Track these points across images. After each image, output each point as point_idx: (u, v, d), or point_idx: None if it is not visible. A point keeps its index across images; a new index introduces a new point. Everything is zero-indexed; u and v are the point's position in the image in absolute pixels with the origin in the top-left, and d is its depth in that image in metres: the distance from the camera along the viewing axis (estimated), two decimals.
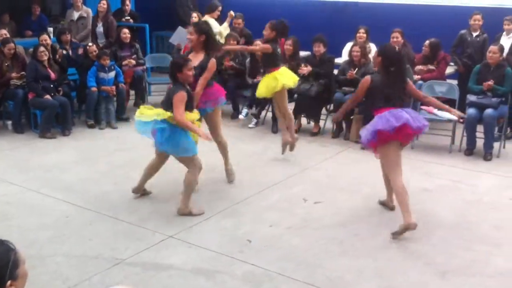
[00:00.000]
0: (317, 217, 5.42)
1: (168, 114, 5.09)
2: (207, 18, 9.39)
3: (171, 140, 5.17)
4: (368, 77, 5.23)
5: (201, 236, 4.98)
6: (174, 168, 6.38)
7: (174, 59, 5.53)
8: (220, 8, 9.54)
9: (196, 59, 5.69)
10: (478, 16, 8.30)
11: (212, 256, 4.64)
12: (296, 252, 4.73)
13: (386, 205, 5.58)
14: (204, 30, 5.82)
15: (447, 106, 5.68)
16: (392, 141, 5.02)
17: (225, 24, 9.29)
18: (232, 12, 9.38)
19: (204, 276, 4.35)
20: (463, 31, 8.46)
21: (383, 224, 5.25)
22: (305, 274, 4.36)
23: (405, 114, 4.97)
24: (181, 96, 5.04)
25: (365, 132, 5.13)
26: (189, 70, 5.17)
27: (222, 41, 8.66)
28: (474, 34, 8.35)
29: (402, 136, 5.04)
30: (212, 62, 5.74)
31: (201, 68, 5.66)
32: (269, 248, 4.79)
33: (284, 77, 6.66)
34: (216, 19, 9.38)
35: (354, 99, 5.54)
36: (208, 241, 4.88)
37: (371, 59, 8.26)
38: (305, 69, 7.92)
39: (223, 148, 6.19)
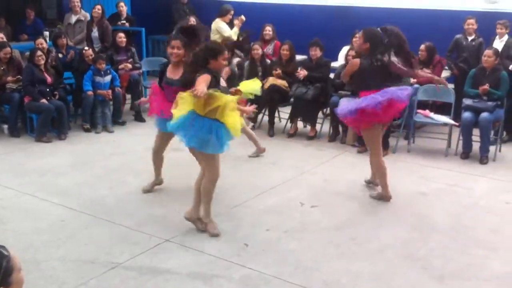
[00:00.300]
0: (314, 221, 5.41)
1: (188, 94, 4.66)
2: (218, 21, 9.39)
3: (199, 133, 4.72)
4: (357, 61, 5.53)
5: (198, 240, 4.97)
6: (171, 172, 6.38)
7: (210, 44, 5.05)
8: (232, 12, 9.52)
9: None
10: (472, 21, 8.34)
11: (209, 260, 4.63)
12: (293, 255, 4.72)
13: (372, 182, 6.13)
14: None
15: (438, 78, 6.20)
16: (376, 124, 5.52)
17: (235, 29, 9.29)
18: (242, 17, 9.36)
19: (201, 280, 4.34)
20: (458, 36, 8.49)
21: (379, 227, 5.25)
22: (302, 278, 4.36)
23: (389, 91, 5.42)
24: (206, 77, 4.60)
25: (345, 106, 5.52)
26: (224, 59, 4.87)
27: None
28: (470, 38, 8.37)
29: (388, 113, 5.47)
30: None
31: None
32: (266, 252, 4.78)
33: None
34: (228, 23, 9.37)
35: (343, 76, 5.89)
36: (205, 245, 4.87)
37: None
38: (301, 73, 7.93)
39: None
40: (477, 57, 8.20)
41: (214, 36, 9.22)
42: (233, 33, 9.28)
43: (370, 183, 6.19)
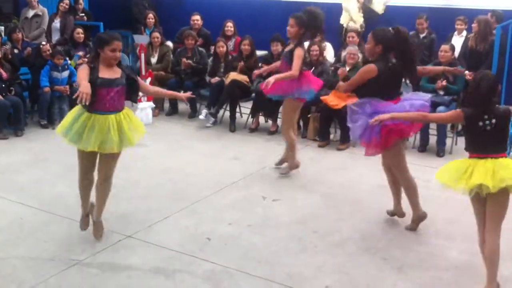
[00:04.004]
0: (276, 215, 5.45)
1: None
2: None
3: None
4: (373, 66, 4.72)
5: (160, 235, 4.94)
6: (132, 167, 6.32)
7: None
8: None
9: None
10: (422, 20, 8.58)
11: (172, 255, 4.60)
12: (255, 249, 4.75)
13: (397, 213, 5.33)
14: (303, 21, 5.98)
15: (449, 68, 5.88)
16: (398, 139, 4.86)
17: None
18: None
19: (164, 276, 4.32)
20: (411, 33, 8.68)
21: (340, 220, 5.32)
22: (265, 271, 4.38)
23: (414, 101, 4.78)
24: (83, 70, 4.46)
25: (361, 128, 4.77)
26: (112, 50, 4.42)
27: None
28: (422, 36, 8.59)
29: (414, 126, 4.90)
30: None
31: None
32: (229, 246, 4.79)
33: None
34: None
35: (350, 86, 5.00)
36: (167, 240, 4.84)
37: (326, 58, 8.38)
38: (263, 69, 7.96)
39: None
40: (430, 53, 8.43)
41: (343, 19, 9.27)
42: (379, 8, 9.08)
43: (393, 215, 5.38)
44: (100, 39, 4.47)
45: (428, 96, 5.05)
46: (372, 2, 9.15)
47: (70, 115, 4.57)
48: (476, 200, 4.06)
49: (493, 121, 3.89)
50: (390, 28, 4.80)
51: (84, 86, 4.18)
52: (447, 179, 4.12)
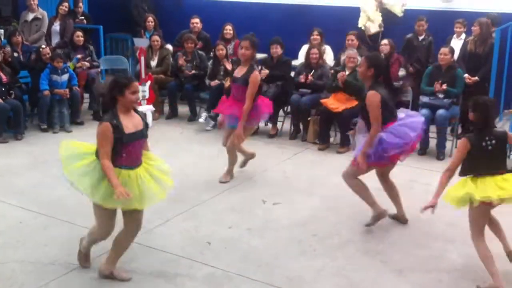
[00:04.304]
0: (276, 218, 5.45)
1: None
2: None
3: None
4: (376, 95, 4.85)
5: (161, 239, 4.94)
6: None
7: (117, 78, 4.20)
8: None
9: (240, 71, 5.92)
10: (422, 22, 8.58)
11: (172, 259, 4.61)
12: (255, 253, 4.75)
13: (398, 219, 5.38)
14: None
15: None
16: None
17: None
18: None
19: (164, 279, 4.32)
20: (409, 36, 8.71)
21: (340, 223, 5.32)
22: (265, 275, 4.39)
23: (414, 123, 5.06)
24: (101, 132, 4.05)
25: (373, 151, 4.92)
26: (133, 92, 4.05)
27: None
28: (420, 38, 8.60)
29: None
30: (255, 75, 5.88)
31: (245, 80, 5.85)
32: (229, 249, 4.79)
33: None
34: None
35: (377, 121, 4.90)
36: (168, 244, 4.85)
37: (326, 61, 8.39)
38: (263, 73, 7.99)
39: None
40: (428, 55, 8.44)
41: (361, 20, 9.21)
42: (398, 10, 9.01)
43: (395, 219, 5.42)
44: (119, 83, 4.01)
45: (421, 117, 5.29)
46: (390, 4, 9.11)
47: (88, 171, 4.07)
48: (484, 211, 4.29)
49: (493, 141, 4.20)
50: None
51: (118, 187, 3.86)
52: (458, 200, 4.35)
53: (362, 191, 5.18)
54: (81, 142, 4.43)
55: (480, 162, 4.23)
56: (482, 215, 4.30)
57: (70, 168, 4.15)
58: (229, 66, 8.19)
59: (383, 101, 4.86)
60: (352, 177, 5.15)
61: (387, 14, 9.29)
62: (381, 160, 4.98)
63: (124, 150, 4.03)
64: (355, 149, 5.18)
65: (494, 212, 4.44)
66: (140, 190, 4.06)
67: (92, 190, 4.05)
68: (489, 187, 4.16)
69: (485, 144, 4.20)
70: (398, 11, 9.09)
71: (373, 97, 4.85)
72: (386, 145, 4.89)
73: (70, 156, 4.23)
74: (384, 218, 5.22)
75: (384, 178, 5.34)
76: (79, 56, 8.79)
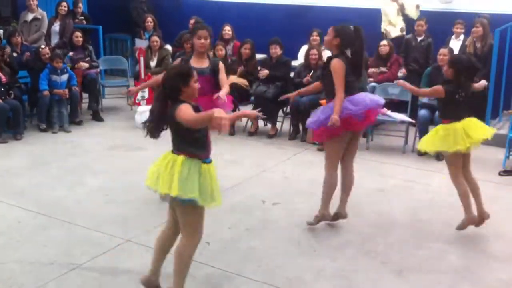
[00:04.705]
0: (275, 218, 5.45)
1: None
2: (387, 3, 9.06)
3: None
4: (341, 61, 4.86)
5: None
6: (132, 171, 6.32)
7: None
8: None
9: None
10: (422, 22, 8.57)
11: (171, 259, 4.57)
12: (255, 253, 4.75)
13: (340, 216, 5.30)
14: None
15: None
16: (346, 132, 4.93)
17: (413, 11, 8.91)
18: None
19: (164, 279, 4.30)
20: (408, 36, 8.71)
21: (340, 224, 5.32)
22: (265, 275, 4.38)
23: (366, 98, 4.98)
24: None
25: (320, 117, 4.95)
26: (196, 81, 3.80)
27: None
28: (419, 39, 8.60)
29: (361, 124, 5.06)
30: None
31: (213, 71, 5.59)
32: (228, 250, 4.79)
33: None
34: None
35: (340, 87, 4.87)
36: None
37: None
38: (263, 73, 8.00)
39: None
40: (427, 57, 8.44)
41: (383, 24, 9.14)
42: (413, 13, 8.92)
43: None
44: (182, 73, 3.72)
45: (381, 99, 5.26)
46: (405, 8, 9.05)
47: (180, 171, 3.67)
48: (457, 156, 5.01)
49: (463, 94, 4.94)
50: (351, 26, 5.03)
51: (221, 113, 3.43)
52: (432, 146, 5.17)
53: (331, 189, 5.15)
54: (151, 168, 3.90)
55: (453, 110, 5.00)
56: (456, 158, 5.01)
57: (173, 187, 3.63)
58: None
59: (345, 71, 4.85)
60: (332, 169, 5.09)
61: (406, 18, 9.20)
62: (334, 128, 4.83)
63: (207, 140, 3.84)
64: (309, 121, 5.13)
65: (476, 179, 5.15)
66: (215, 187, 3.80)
67: (199, 194, 3.68)
68: (459, 138, 4.91)
69: (458, 96, 4.93)
70: (413, 14, 9.02)
71: (339, 63, 4.84)
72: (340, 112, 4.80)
73: (158, 178, 3.75)
74: (326, 220, 5.22)
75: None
76: (71, 53, 8.78)
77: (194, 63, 5.46)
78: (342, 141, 5.01)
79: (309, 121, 5.16)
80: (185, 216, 3.79)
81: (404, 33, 8.70)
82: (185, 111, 3.60)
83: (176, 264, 3.85)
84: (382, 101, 5.15)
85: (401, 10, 8.99)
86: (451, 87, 4.95)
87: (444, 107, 5.11)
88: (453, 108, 5.00)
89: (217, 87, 5.50)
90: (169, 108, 3.70)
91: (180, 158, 3.70)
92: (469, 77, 5.06)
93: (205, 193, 3.72)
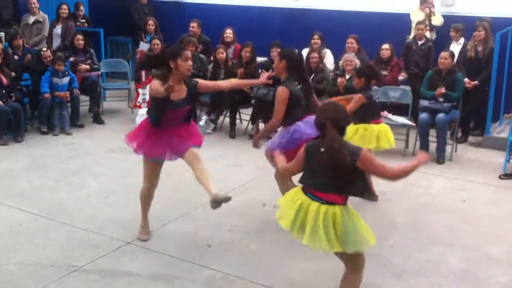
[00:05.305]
0: (276, 221, 5.42)
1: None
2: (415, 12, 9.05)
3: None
4: (285, 89, 4.89)
5: (160, 241, 4.94)
6: (132, 174, 6.32)
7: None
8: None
9: None
10: (422, 26, 8.56)
11: (172, 262, 4.60)
12: (255, 256, 4.75)
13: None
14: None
15: None
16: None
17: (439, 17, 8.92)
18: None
19: (164, 282, 4.31)
20: (409, 40, 8.71)
21: None
22: (266, 278, 4.38)
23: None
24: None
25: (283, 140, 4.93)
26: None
27: None
28: (420, 43, 8.59)
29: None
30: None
31: None
32: (229, 252, 4.79)
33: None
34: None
35: (278, 115, 4.97)
36: (167, 246, 4.84)
37: (326, 65, 8.41)
38: (268, 75, 8.00)
39: None
40: (427, 60, 8.43)
41: (412, 32, 9.06)
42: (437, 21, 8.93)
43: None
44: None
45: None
46: (433, 16, 8.97)
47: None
48: None
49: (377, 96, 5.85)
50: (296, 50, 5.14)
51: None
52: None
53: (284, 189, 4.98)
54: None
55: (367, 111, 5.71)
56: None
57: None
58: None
59: (292, 97, 4.90)
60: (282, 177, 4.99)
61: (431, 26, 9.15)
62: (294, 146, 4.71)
63: None
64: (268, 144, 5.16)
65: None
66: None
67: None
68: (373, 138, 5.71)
69: (374, 98, 5.81)
70: (439, 21, 8.98)
71: (281, 91, 4.92)
72: (299, 135, 4.84)
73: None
74: None
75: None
76: (71, 59, 8.79)
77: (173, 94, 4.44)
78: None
79: (267, 144, 5.16)
80: (356, 257, 3.64)
81: (431, 43, 8.60)
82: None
83: None
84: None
85: (429, 18, 8.94)
86: (368, 93, 5.74)
87: (367, 110, 5.75)
88: (373, 109, 5.83)
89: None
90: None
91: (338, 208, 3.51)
92: (372, 81, 5.92)
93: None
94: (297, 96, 4.96)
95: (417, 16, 9.00)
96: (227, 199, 4.42)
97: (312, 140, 3.85)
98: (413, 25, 9.03)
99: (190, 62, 4.55)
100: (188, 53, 4.54)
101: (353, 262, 3.70)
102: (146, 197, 4.95)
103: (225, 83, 5.63)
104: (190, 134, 4.79)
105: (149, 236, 4.98)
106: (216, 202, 4.37)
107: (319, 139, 3.58)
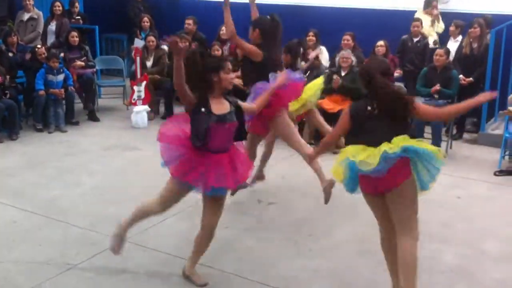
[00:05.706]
0: (272, 218, 5.45)
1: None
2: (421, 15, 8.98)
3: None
4: (256, 50, 5.23)
5: (156, 239, 4.93)
6: (128, 171, 6.32)
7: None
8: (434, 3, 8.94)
9: None
10: (417, 23, 8.56)
11: (168, 259, 4.60)
12: (251, 253, 4.75)
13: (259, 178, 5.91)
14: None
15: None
16: (281, 108, 5.24)
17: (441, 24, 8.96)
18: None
19: (160, 279, 4.31)
20: (404, 37, 8.71)
21: (336, 224, 5.33)
22: (261, 275, 4.39)
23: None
24: None
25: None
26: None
27: None
28: (415, 40, 8.59)
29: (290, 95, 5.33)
30: None
31: None
32: (225, 249, 4.79)
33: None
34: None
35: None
36: (163, 244, 4.84)
37: (321, 62, 8.40)
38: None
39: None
40: (423, 57, 8.43)
41: None
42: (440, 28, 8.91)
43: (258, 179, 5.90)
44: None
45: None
46: (439, 20, 8.94)
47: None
48: None
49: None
50: (268, 16, 5.43)
51: None
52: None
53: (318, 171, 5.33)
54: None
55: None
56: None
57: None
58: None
59: (265, 60, 5.17)
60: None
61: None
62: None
63: None
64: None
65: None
66: None
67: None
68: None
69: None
70: (440, 29, 8.96)
71: (254, 52, 5.22)
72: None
73: None
74: None
75: (270, 147, 5.96)
76: (62, 54, 8.75)
77: (215, 107, 4.07)
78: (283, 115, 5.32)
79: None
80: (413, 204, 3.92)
81: (437, 46, 8.56)
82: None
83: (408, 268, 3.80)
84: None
85: (435, 22, 8.91)
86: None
87: None
88: None
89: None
90: None
91: None
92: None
93: None
94: (269, 61, 5.24)
95: (424, 19, 8.97)
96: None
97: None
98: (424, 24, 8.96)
99: (232, 75, 4.18)
100: (229, 64, 4.11)
101: (410, 222, 3.89)
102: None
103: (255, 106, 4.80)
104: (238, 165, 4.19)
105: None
106: None
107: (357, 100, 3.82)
